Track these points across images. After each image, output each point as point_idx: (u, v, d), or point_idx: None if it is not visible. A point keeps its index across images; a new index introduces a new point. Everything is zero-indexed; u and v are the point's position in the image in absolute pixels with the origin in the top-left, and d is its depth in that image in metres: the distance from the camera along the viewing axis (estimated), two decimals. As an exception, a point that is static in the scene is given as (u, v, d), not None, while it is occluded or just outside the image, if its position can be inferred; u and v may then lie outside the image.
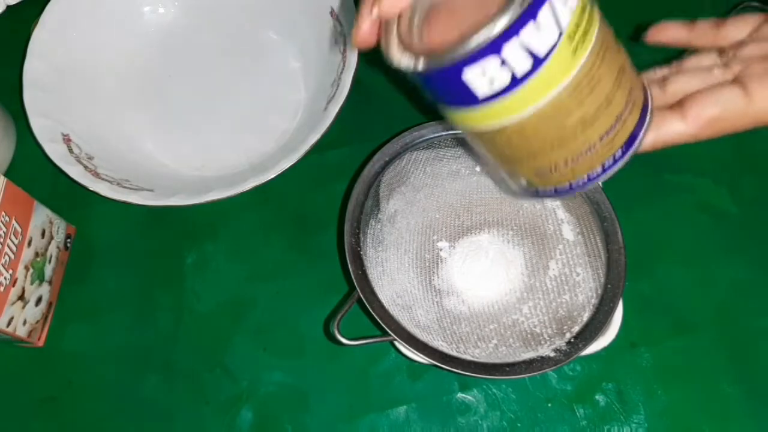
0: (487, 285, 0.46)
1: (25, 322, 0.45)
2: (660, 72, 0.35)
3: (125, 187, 0.46)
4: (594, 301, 0.41)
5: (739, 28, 0.34)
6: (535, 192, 0.33)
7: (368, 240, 0.43)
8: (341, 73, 0.48)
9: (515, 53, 0.25)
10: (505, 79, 0.25)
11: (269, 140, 0.52)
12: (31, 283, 0.46)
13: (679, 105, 0.31)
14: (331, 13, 0.51)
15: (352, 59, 0.47)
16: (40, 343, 0.48)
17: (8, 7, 0.57)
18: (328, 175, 0.52)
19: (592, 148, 0.29)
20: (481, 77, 0.25)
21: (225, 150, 0.53)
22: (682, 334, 0.46)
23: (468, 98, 0.26)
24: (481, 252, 0.46)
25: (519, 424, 0.44)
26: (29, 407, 0.47)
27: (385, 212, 0.46)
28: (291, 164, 0.45)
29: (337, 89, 0.47)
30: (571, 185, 0.31)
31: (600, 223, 0.42)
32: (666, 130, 0.31)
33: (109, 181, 0.46)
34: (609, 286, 0.41)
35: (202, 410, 0.46)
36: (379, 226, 0.45)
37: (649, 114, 0.30)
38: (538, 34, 0.24)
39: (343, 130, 0.47)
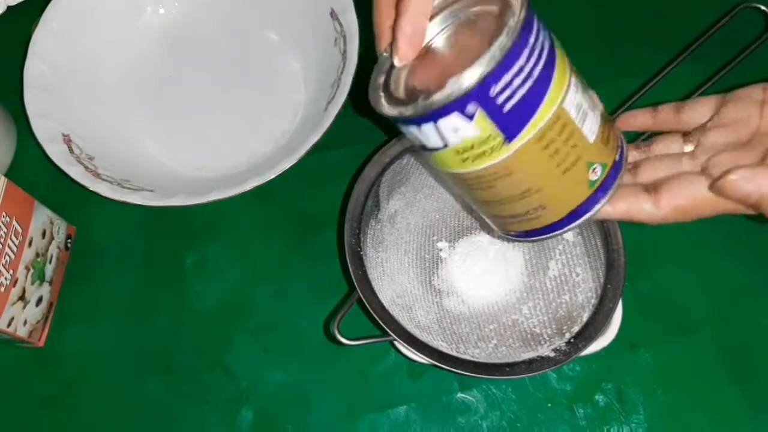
0: (486, 285, 0.46)
1: (25, 323, 0.45)
2: (630, 157, 0.37)
3: (126, 188, 0.46)
4: (594, 301, 0.41)
5: (697, 111, 0.36)
6: (492, 230, 0.36)
7: (368, 240, 0.44)
8: (341, 73, 0.48)
9: (411, 132, 0.30)
10: (419, 142, 0.31)
11: (269, 140, 0.52)
12: (32, 284, 0.46)
13: (654, 189, 0.33)
14: (331, 13, 0.51)
15: (352, 60, 0.47)
16: (41, 344, 0.48)
17: (9, 7, 0.57)
18: (328, 175, 0.52)
19: (500, 218, 0.33)
20: (409, 134, 0.31)
21: (225, 150, 0.53)
22: (682, 334, 0.46)
23: (418, 144, 0.31)
24: (481, 252, 0.47)
25: (519, 424, 0.44)
26: (30, 407, 0.47)
27: (385, 212, 0.46)
28: (291, 164, 0.45)
29: (337, 90, 0.47)
30: (515, 233, 0.34)
31: (600, 223, 0.42)
32: (638, 209, 0.32)
33: (109, 182, 0.47)
34: (609, 286, 0.41)
35: (202, 410, 0.46)
36: (379, 227, 0.45)
37: (558, 231, 0.32)
38: (427, 134, 0.29)
39: (343, 130, 0.47)
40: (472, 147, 0.29)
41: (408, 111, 0.28)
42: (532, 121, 0.28)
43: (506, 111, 0.28)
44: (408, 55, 0.32)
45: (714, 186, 0.31)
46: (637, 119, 0.38)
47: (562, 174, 0.30)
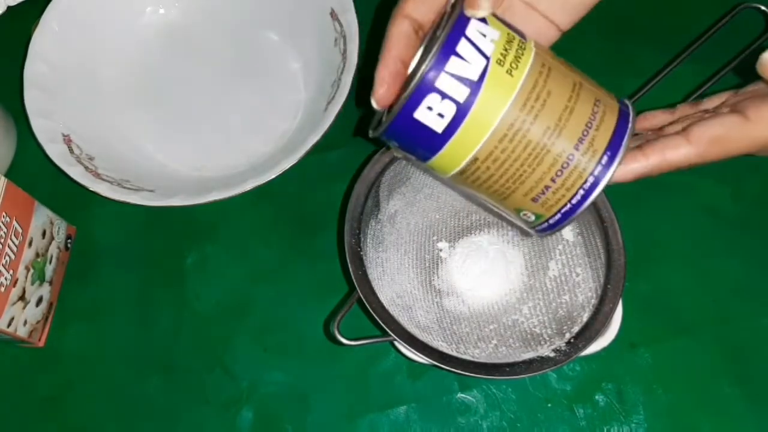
0: (487, 285, 0.46)
1: (25, 323, 0.45)
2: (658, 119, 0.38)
3: (126, 188, 0.46)
4: (594, 301, 0.41)
5: (715, 103, 0.37)
6: (548, 223, 0.33)
7: (368, 240, 0.44)
8: (341, 73, 0.48)
9: (449, 85, 0.29)
10: (452, 109, 0.29)
11: (269, 141, 0.52)
12: (32, 284, 0.46)
13: (683, 130, 0.33)
14: (331, 13, 0.51)
15: (353, 60, 0.47)
16: (41, 344, 0.48)
17: (9, 7, 0.57)
18: (328, 175, 0.52)
19: (571, 159, 0.30)
20: (430, 114, 0.29)
21: (225, 150, 0.53)
22: (682, 334, 0.46)
23: (432, 137, 0.30)
24: (481, 252, 0.47)
25: (519, 424, 0.44)
26: (30, 407, 0.47)
27: (385, 213, 0.46)
28: (291, 165, 0.45)
29: (337, 90, 0.47)
30: (571, 203, 0.31)
31: (600, 223, 0.42)
32: (672, 153, 0.32)
33: (109, 182, 0.47)
34: (609, 286, 0.41)
35: (202, 410, 0.46)
36: (379, 227, 0.45)
37: (630, 122, 0.31)
38: (464, 65, 0.29)
39: (343, 131, 0.47)
40: (506, 51, 0.29)
41: (440, 39, 0.29)
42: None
43: (500, 16, 0.31)
44: (385, 101, 0.31)
45: (759, 64, 0.31)
46: (655, 118, 0.39)
47: (583, 74, 0.32)
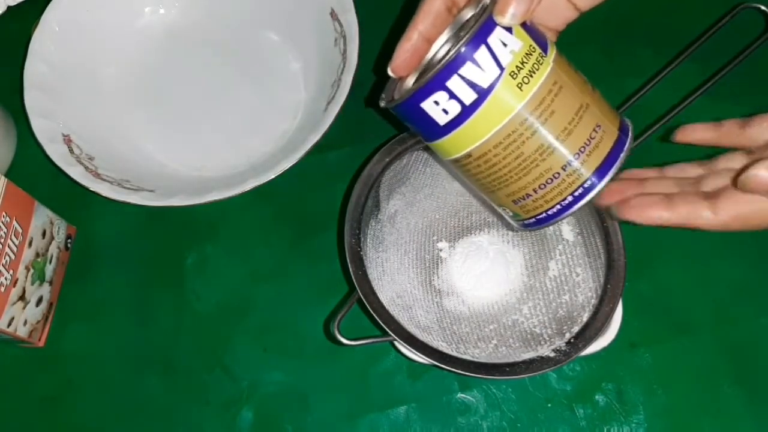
0: (487, 285, 0.46)
1: (25, 323, 0.45)
2: (693, 171, 0.37)
3: (126, 188, 0.46)
4: (594, 301, 0.41)
5: (763, 127, 0.36)
6: (522, 223, 0.35)
7: (368, 240, 0.44)
8: (341, 73, 0.48)
9: (459, 87, 0.30)
10: (456, 109, 0.30)
11: (269, 140, 0.52)
12: (32, 284, 0.46)
13: (714, 196, 0.32)
14: (332, 13, 0.51)
15: (353, 60, 0.47)
16: (41, 344, 0.48)
17: (9, 7, 0.57)
18: (328, 175, 0.52)
19: (556, 177, 0.32)
20: (435, 108, 0.31)
21: (225, 150, 0.53)
22: (682, 334, 0.46)
23: (434, 127, 0.32)
24: (481, 252, 0.47)
25: (519, 424, 0.44)
26: (29, 407, 0.47)
27: (385, 212, 0.46)
28: (291, 165, 0.45)
29: (337, 90, 0.47)
30: (547, 213, 0.33)
31: (600, 223, 0.42)
32: (696, 215, 0.32)
33: (109, 182, 0.47)
34: (609, 286, 0.41)
35: (202, 410, 0.46)
36: (379, 227, 0.45)
37: (624, 151, 0.32)
38: (478, 71, 0.29)
39: (343, 131, 0.47)
40: (522, 64, 0.30)
41: (461, 42, 0.29)
42: (549, 36, 0.32)
43: (529, 24, 0.31)
44: (400, 72, 0.33)
45: (737, 181, 0.30)
46: (697, 133, 0.38)
47: (593, 91, 0.32)
